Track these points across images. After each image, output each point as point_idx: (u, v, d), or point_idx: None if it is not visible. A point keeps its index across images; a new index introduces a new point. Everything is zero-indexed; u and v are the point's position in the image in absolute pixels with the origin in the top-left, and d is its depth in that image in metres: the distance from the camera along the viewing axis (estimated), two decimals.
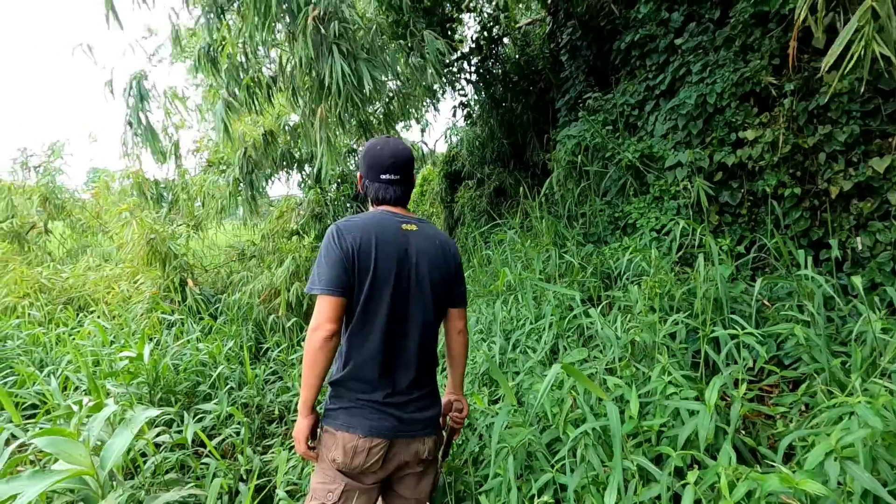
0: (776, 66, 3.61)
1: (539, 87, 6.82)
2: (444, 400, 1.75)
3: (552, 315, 2.41)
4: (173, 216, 6.25)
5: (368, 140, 1.71)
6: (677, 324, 2.09)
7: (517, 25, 7.16)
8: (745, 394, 1.55)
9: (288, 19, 2.98)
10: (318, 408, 1.57)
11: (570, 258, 3.36)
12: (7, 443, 1.98)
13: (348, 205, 5.62)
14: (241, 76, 3.88)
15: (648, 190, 4.13)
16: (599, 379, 1.79)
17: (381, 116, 3.83)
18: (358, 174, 1.67)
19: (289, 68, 3.48)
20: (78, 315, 4.89)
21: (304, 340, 4.67)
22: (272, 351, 4.25)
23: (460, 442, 2.32)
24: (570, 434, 1.50)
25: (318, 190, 5.24)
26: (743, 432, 1.73)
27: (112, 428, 2.03)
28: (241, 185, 4.72)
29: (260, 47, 3.90)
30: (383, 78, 3.19)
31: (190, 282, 4.95)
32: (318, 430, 1.57)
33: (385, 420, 1.49)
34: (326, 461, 1.50)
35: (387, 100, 3.39)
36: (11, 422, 2.26)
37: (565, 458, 1.47)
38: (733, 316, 2.10)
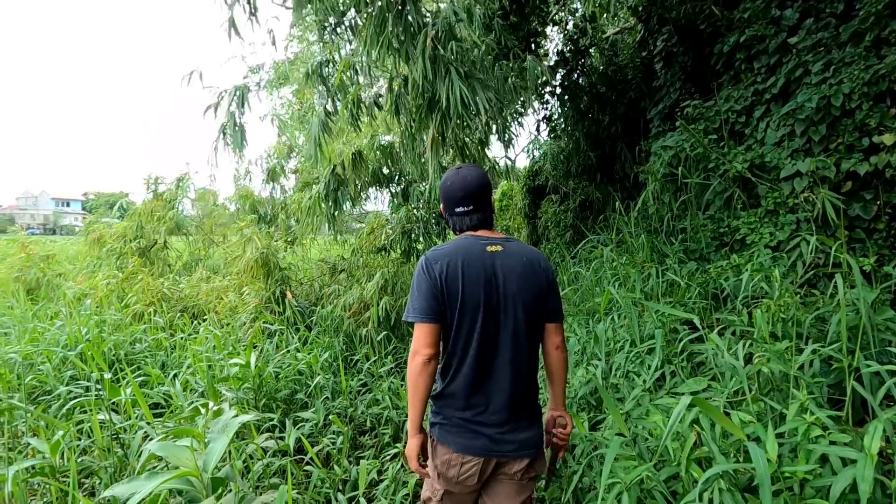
0: None
1: (628, 97, 6.54)
2: (546, 416, 1.74)
3: (658, 338, 2.23)
4: (273, 232, 6.74)
5: (447, 172, 1.75)
6: (815, 354, 1.84)
7: (605, 35, 6.96)
8: None
9: (403, 37, 3.08)
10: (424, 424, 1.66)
11: (674, 276, 3.13)
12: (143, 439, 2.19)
13: (434, 221, 5.71)
14: (345, 94, 4.08)
15: (759, 203, 3.77)
16: (722, 413, 1.61)
17: (478, 138, 3.87)
18: (441, 205, 1.77)
19: (396, 88, 3.61)
20: (193, 322, 5.40)
21: (392, 353, 4.77)
22: (362, 363, 4.39)
23: (558, 467, 2.22)
24: (694, 474, 1.36)
25: (408, 208, 5.39)
26: None
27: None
28: (326, 202, 4.95)
29: (369, 67, 4.08)
30: (494, 98, 3.22)
31: (289, 294, 5.28)
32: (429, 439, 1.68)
33: (476, 439, 1.54)
34: (436, 464, 1.62)
35: (485, 120, 3.42)
36: (144, 420, 2.50)
37: (695, 502, 1.33)
38: (891, 348, 1.81)
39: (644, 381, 2.10)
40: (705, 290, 3.29)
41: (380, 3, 3.04)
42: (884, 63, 3.24)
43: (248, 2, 3.76)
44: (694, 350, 2.29)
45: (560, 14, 7.09)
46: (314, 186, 7.34)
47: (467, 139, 3.78)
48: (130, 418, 2.89)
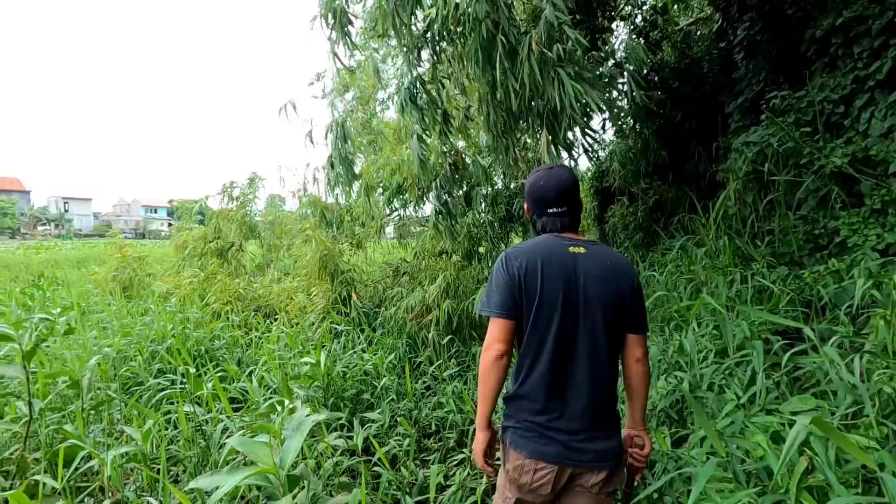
0: None
1: (704, 91, 6.15)
2: (624, 434, 1.63)
3: (759, 349, 2.03)
4: (339, 235, 6.95)
5: (531, 172, 1.69)
6: None
7: (677, 28, 6.60)
8: None
9: (501, 50, 3.12)
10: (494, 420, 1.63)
11: (764, 281, 2.87)
12: (223, 432, 2.29)
13: (499, 225, 5.64)
14: (437, 111, 4.19)
15: (863, 201, 3.39)
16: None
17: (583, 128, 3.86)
18: (525, 205, 1.72)
19: (489, 98, 3.66)
20: (266, 321, 5.66)
21: (455, 357, 4.74)
22: (425, 366, 4.40)
23: (636, 486, 2.08)
24: None
25: (474, 212, 5.37)
26: None
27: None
28: (443, 218, 4.94)
29: (460, 82, 4.15)
30: (597, 94, 3.18)
31: (354, 295, 5.41)
32: (499, 442, 1.63)
33: (551, 445, 1.48)
34: (507, 469, 1.56)
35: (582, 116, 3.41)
36: (224, 414, 2.62)
37: None
38: None
39: (738, 396, 1.92)
40: (799, 297, 3.00)
41: (486, 25, 3.06)
42: None
43: (347, 38, 3.99)
44: (795, 363, 2.07)
45: (627, 8, 6.81)
46: (384, 192, 7.50)
47: (573, 138, 3.73)
48: (211, 411, 3.06)
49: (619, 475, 1.57)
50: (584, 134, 3.83)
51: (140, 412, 3.14)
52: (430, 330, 4.89)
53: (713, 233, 4.06)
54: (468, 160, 5.37)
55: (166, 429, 3.10)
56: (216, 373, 3.96)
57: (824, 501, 1.29)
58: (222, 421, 2.70)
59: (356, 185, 7.83)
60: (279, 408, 2.19)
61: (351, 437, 2.89)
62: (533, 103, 3.40)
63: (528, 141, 4.89)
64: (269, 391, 3.62)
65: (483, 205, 5.59)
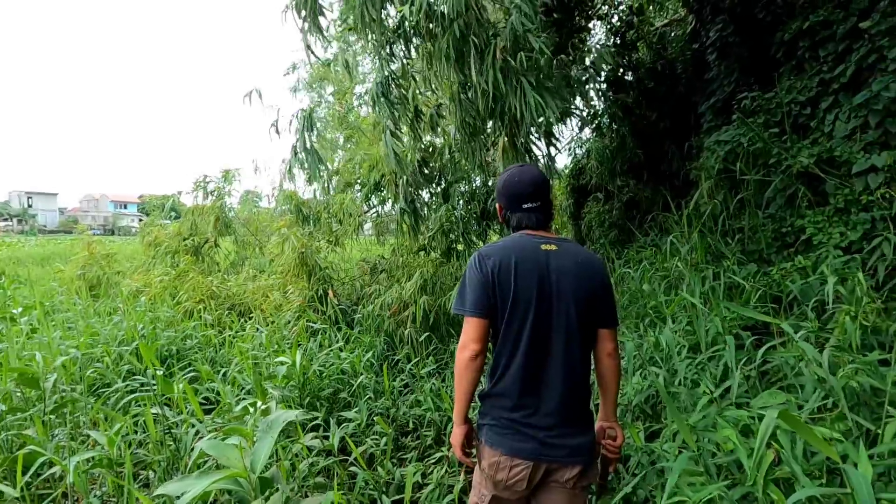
0: None
1: (678, 91, 6.27)
2: (596, 427, 1.67)
3: (731, 345, 2.07)
4: (316, 232, 6.85)
5: (503, 172, 1.71)
6: None
7: (653, 28, 6.70)
8: None
9: (473, 51, 3.11)
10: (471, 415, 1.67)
11: (736, 278, 2.94)
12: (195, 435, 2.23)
13: (475, 222, 5.64)
14: (407, 108, 4.16)
15: (828, 200, 3.50)
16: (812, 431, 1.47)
17: (544, 131, 3.87)
18: (497, 205, 1.75)
19: (461, 97, 3.65)
20: (240, 320, 5.55)
21: (433, 354, 4.73)
22: (403, 363, 4.37)
23: (610, 478, 2.11)
24: (773, 496, 1.24)
25: (450, 208, 5.35)
26: None
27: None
28: (409, 216, 4.94)
29: (430, 81, 4.13)
30: (557, 103, 3.20)
31: (331, 293, 5.34)
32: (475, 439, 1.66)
33: (526, 442, 1.50)
34: (483, 466, 1.58)
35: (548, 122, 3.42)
36: (195, 416, 2.55)
37: None
38: None
39: (710, 391, 1.96)
40: (767, 293, 3.08)
41: (457, 25, 3.03)
42: None
43: (319, 31, 3.92)
44: (765, 358, 2.12)
45: (604, 8, 6.88)
46: (362, 189, 7.42)
47: (534, 143, 3.76)
48: (182, 413, 2.98)
49: (593, 470, 1.60)
50: (547, 141, 3.87)
51: (106, 415, 3.03)
52: (408, 327, 4.87)
53: (686, 230, 4.14)
54: (446, 157, 5.35)
55: (135, 432, 3.00)
56: (188, 373, 3.86)
57: (791, 493, 1.32)
58: (193, 423, 2.63)
59: (334, 181, 7.74)
60: (252, 409, 2.14)
61: (327, 438, 2.85)
62: (496, 107, 3.40)
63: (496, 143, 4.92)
64: (244, 392, 3.55)
65: (461, 201, 5.59)
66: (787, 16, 4.45)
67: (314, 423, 3.21)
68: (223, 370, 3.85)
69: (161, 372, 3.16)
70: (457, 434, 1.64)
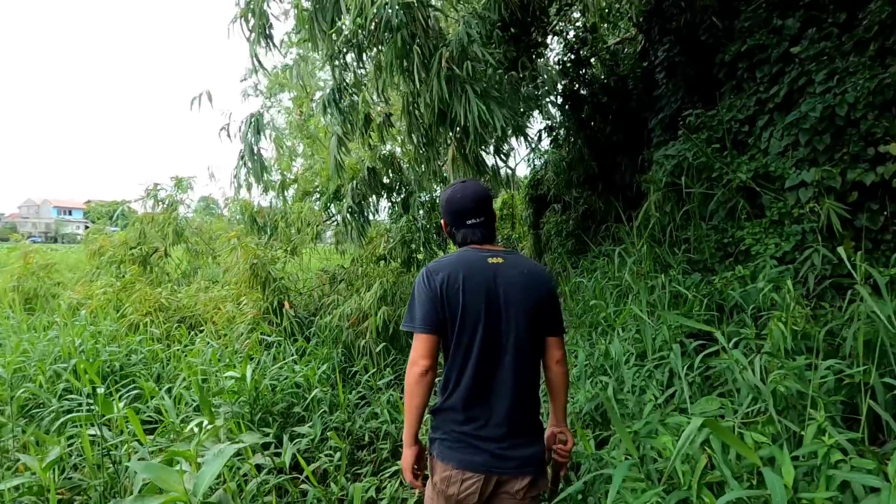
0: None
1: (630, 106, 6.52)
2: (547, 433, 1.70)
3: (668, 352, 2.16)
4: (273, 241, 6.69)
5: (446, 188, 1.73)
6: (829, 371, 1.78)
7: (605, 46, 6.96)
8: None
9: (417, 60, 3.12)
10: (420, 436, 1.64)
11: (680, 287, 3.07)
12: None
13: (435, 232, 5.66)
14: (357, 115, 4.14)
15: (764, 213, 3.72)
16: (736, 434, 1.55)
17: (495, 147, 3.93)
18: (442, 221, 1.76)
19: (410, 108, 3.66)
20: (190, 333, 5.32)
21: (391, 365, 4.69)
22: (360, 375, 4.31)
23: (561, 486, 2.14)
24: (706, 500, 1.30)
25: (410, 218, 5.35)
26: None
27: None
28: (355, 217, 4.96)
29: (381, 89, 4.14)
30: (504, 113, 3.25)
31: (286, 304, 5.21)
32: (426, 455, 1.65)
33: (477, 454, 1.51)
34: (435, 481, 1.57)
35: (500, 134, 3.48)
36: (136, 438, 2.42)
37: None
38: None
39: (654, 398, 2.03)
40: (711, 301, 3.23)
41: (401, 35, 3.04)
42: (889, 72, 3.21)
43: (268, 41, 3.86)
44: (707, 364, 2.23)
45: (560, 24, 7.10)
46: (321, 197, 7.31)
47: (484, 153, 3.82)
48: (123, 433, 2.82)
49: (543, 480, 1.62)
50: (498, 153, 3.96)
51: (38, 439, 2.83)
52: (367, 337, 4.81)
53: (637, 241, 4.30)
54: (405, 166, 5.36)
55: (69, 455, 2.82)
56: (131, 391, 3.67)
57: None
58: (133, 445, 2.49)
59: (293, 189, 7.59)
60: (196, 429, 2.05)
61: (279, 455, 2.76)
62: (445, 117, 3.45)
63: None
64: (191, 408, 3.40)
65: (421, 211, 5.60)
66: (727, 39, 4.73)
67: (265, 440, 3.11)
68: (170, 387, 3.67)
69: (101, 390, 2.98)
70: (407, 456, 1.61)
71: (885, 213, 3.23)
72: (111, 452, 2.69)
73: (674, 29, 5.45)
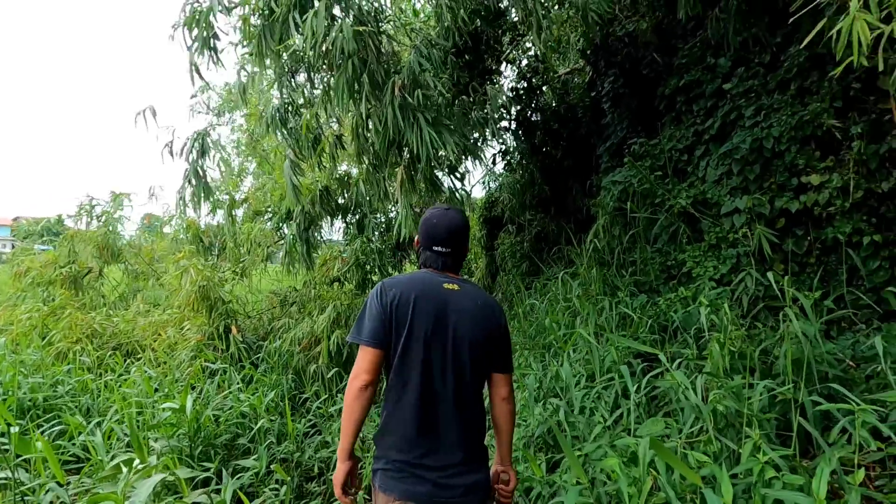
0: (839, 109, 3.45)
1: (580, 133, 6.80)
2: (491, 470, 1.67)
3: (616, 374, 2.21)
4: (220, 263, 6.42)
5: (430, 208, 1.77)
6: (764, 389, 1.87)
7: (556, 75, 7.26)
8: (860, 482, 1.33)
9: (367, 87, 3.12)
10: (357, 453, 1.59)
11: (626, 309, 3.16)
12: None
13: (390, 254, 5.61)
14: (307, 136, 4.08)
15: (703, 237, 3.93)
16: (680, 454, 1.59)
17: (448, 167, 3.97)
18: (416, 237, 1.76)
19: (360, 130, 3.65)
20: (126, 361, 4.98)
21: (343, 391, 4.58)
22: (311, 402, 4.16)
23: None
24: None
25: (364, 239, 5.29)
26: None
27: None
28: (301, 243, 4.83)
29: (331, 109, 4.09)
30: (455, 140, 3.30)
31: (234, 329, 4.99)
32: (360, 475, 1.61)
33: (420, 485, 1.48)
34: None
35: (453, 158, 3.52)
36: (56, 479, 2.21)
37: None
38: (834, 385, 1.86)
39: (603, 419, 2.06)
40: (656, 322, 3.35)
41: (353, 62, 3.05)
42: (808, 110, 3.50)
43: (213, 52, 3.75)
44: (653, 385, 2.29)
45: (514, 53, 7.36)
46: (272, 217, 7.11)
47: (441, 175, 3.85)
48: (41, 475, 2.56)
49: None
50: (451, 173, 4.02)
51: None
52: (319, 362, 4.66)
53: (586, 263, 4.43)
54: (361, 187, 5.32)
55: None
56: (54, 426, 3.37)
57: None
58: (52, 489, 2.27)
59: (242, 209, 7.36)
60: (125, 468, 1.90)
61: (219, 492, 2.59)
62: (394, 142, 3.49)
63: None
64: (123, 444, 3.15)
65: (377, 232, 5.55)
66: (666, 74, 5.04)
67: (206, 475, 2.92)
68: (100, 420, 3.40)
69: (17, 428, 2.71)
70: (340, 470, 1.54)
71: (809, 238, 3.49)
72: (26, 497, 2.44)
73: (618, 62, 5.75)
